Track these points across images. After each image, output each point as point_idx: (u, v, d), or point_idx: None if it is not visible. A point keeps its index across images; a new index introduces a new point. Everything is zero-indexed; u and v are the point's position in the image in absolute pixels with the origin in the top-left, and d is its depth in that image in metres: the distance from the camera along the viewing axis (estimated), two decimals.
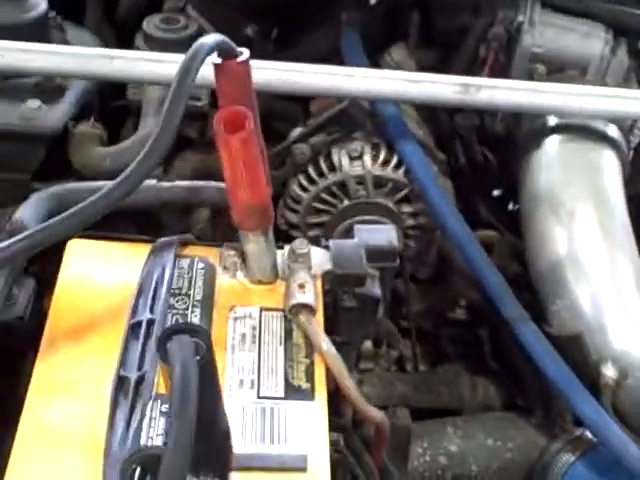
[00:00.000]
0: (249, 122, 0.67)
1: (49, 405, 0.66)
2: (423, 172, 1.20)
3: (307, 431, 0.67)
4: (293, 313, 0.75)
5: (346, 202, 1.25)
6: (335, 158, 1.23)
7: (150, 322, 0.71)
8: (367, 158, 1.22)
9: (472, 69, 1.31)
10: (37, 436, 0.64)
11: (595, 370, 1.03)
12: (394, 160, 1.22)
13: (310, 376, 0.71)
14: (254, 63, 0.73)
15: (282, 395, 0.69)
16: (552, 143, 1.22)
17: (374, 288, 0.81)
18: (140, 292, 0.74)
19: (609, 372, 1.02)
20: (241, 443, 0.65)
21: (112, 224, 0.77)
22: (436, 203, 1.19)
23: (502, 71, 1.29)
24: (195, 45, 0.68)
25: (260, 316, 0.75)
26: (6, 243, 0.66)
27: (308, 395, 0.70)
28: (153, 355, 0.67)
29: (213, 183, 0.94)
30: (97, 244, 0.81)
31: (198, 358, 0.55)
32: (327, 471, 0.65)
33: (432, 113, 1.35)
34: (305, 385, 0.71)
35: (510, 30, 1.29)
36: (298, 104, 1.32)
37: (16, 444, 0.63)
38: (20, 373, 0.71)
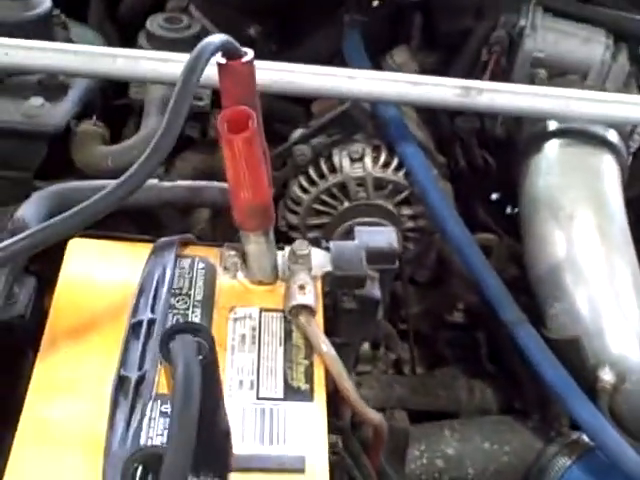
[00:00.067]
0: (253, 122, 0.67)
1: (49, 404, 0.66)
2: (423, 175, 1.21)
3: (306, 432, 0.67)
4: (293, 314, 0.75)
5: (346, 204, 1.25)
6: (336, 160, 1.23)
7: (151, 322, 0.71)
8: (368, 160, 1.22)
9: (473, 72, 1.32)
10: (37, 435, 0.64)
11: (593, 374, 1.03)
12: (394, 162, 1.22)
13: (309, 377, 0.71)
14: (256, 64, 0.72)
15: (281, 396, 0.69)
16: (552, 147, 1.23)
17: (374, 290, 0.81)
18: (141, 292, 0.74)
19: (607, 376, 1.02)
20: (240, 444, 0.65)
21: (113, 224, 0.77)
22: (436, 206, 1.19)
23: (503, 75, 1.30)
24: (200, 45, 0.68)
25: (260, 317, 0.75)
26: (7, 242, 0.66)
27: (307, 396, 0.70)
28: (154, 355, 0.68)
29: (214, 183, 0.94)
30: (98, 243, 0.81)
31: (201, 358, 0.55)
32: (325, 473, 0.65)
33: (433, 116, 1.35)
34: (304, 386, 0.71)
35: (512, 34, 1.29)
36: (299, 105, 1.32)
37: (16, 443, 0.63)
38: (20, 372, 0.71)
